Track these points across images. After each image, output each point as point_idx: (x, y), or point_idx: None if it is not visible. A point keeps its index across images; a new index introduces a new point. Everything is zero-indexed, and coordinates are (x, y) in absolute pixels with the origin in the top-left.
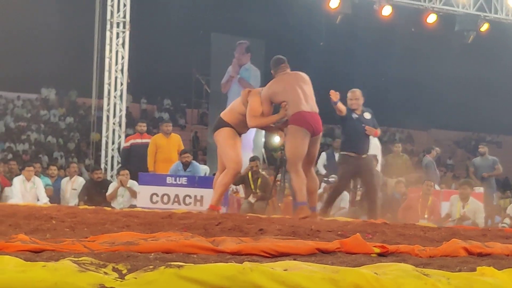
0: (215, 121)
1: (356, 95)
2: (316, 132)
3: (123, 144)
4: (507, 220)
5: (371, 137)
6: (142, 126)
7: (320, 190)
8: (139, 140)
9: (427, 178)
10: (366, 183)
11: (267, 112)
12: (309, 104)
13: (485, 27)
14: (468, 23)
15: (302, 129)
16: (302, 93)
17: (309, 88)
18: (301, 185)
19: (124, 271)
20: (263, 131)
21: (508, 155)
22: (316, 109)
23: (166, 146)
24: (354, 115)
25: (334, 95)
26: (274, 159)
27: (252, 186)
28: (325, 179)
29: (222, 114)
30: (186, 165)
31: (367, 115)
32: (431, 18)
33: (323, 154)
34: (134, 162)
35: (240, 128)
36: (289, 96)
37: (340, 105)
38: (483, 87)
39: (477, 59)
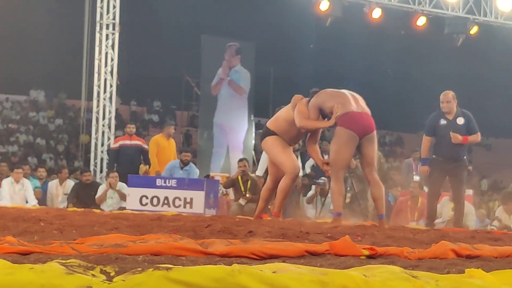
0: (262, 131)
1: (447, 98)
2: (368, 131)
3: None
4: (495, 223)
5: None
6: (131, 128)
7: (311, 192)
8: (128, 142)
9: (405, 180)
10: (452, 189)
11: (314, 119)
12: (359, 105)
13: (474, 29)
14: (457, 25)
15: (348, 131)
16: (352, 97)
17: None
18: (337, 194)
19: (112, 274)
20: (253, 134)
21: (497, 158)
22: (367, 110)
23: (168, 148)
24: (443, 121)
25: None
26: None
27: (242, 188)
28: (315, 180)
29: (267, 123)
30: (185, 164)
31: (460, 120)
32: (421, 21)
33: None
34: (123, 164)
35: (286, 137)
36: (337, 99)
37: None
38: (473, 90)
39: (466, 61)
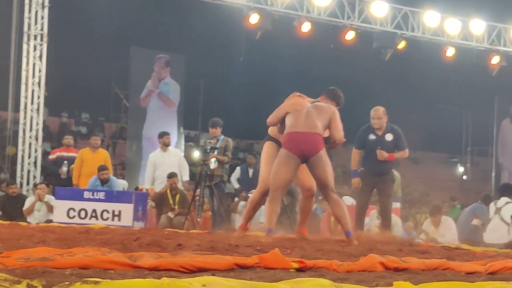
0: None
1: (378, 114)
2: (309, 154)
3: (39, 158)
4: (422, 236)
5: None
6: (69, 139)
7: (243, 203)
8: (65, 154)
9: None
10: (380, 203)
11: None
12: (309, 124)
13: (402, 44)
14: (385, 40)
15: (287, 152)
16: (306, 114)
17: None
18: (269, 213)
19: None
20: (182, 146)
21: (424, 171)
22: (318, 129)
23: (91, 160)
24: (372, 137)
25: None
26: (194, 174)
27: (171, 202)
28: (245, 194)
29: (269, 129)
30: (104, 182)
31: (389, 137)
32: (350, 35)
33: (238, 169)
34: (59, 175)
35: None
36: (290, 116)
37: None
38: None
39: (394, 76)
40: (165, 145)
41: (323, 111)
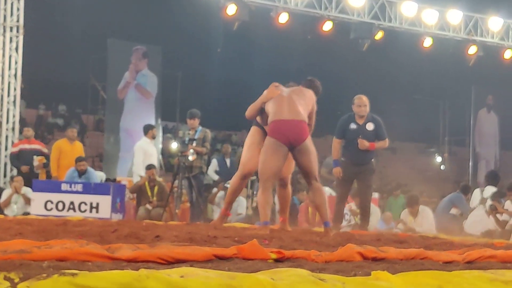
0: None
1: (362, 102)
2: (296, 142)
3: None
4: (400, 226)
5: None
6: (27, 131)
7: (222, 193)
8: (27, 146)
9: None
10: (359, 193)
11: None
12: (294, 111)
13: (379, 35)
14: (363, 31)
15: (275, 141)
16: (289, 101)
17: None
18: (263, 204)
19: (16, 280)
20: (160, 138)
21: (401, 161)
22: (302, 115)
23: (70, 152)
24: (353, 126)
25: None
26: (172, 166)
27: (149, 194)
28: (225, 185)
29: None
30: (81, 173)
31: (370, 126)
32: (327, 26)
33: (214, 161)
34: (28, 168)
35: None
36: (273, 104)
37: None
38: (378, 94)
39: (372, 66)
40: (153, 138)
41: (305, 97)
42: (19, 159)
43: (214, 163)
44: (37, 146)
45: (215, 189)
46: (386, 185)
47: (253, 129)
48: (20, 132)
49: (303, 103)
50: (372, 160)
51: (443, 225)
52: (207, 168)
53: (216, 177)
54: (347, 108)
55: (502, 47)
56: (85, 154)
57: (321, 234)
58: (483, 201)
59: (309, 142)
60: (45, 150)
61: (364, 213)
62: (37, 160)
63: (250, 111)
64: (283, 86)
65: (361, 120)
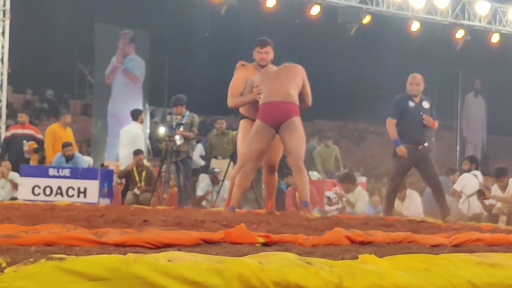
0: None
1: (416, 80)
2: (281, 120)
3: (3, 136)
4: None
5: None
6: (22, 117)
7: (205, 184)
8: (20, 131)
9: None
10: (426, 175)
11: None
12: (282, 92)
13: (367, 19)
14: (350, 15)
15: (261, 123)
16: (277, 81)
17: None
18: (237, 186)
19: (4, 265)
20: (148, 122)
21: (389, 146)
22: (291, 95)
23: (64, 137)
24: (411, 103)
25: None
26: (159, 150)
27: (137, 179)
28: (213, 169)
29: (240, 108)
30: (68, 158)
31: (426, 104)
32: (315, 10)
33: (199, 145)
34: (15, 153)
35: (253, 116)
36: (262, 86)
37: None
38: (366, 78)
39: (359, 51)
40: (141, 122)
41: (294, 75)
42: (12, 144)
43: (199, 147)
44: (30, 131)
45: (201, 189)
46: (373, 169)
47: (242, 122)
48: (8, 117)
49: (293, 83)
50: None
51: (430, 208)
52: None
53: (202, 163)
54: (334, 90)
55: (490, 31)
56: (72, 139)
57: (303, 214)
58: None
59: (296, 120)
60: (39, 136)
61: (439, 193)
62: (27, 145)
63: (234, 104)
64: (250, 66)
65: (417, 98)
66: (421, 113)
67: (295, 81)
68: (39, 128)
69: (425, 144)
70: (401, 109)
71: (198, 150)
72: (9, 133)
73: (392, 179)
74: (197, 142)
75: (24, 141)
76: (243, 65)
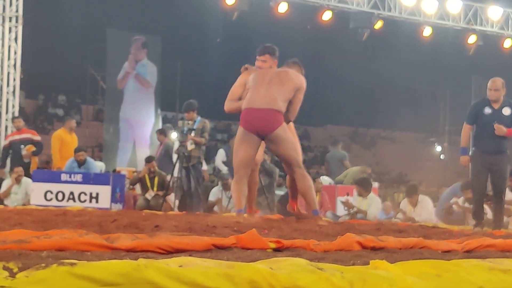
0: None
1: (495, 85)
2: (263, 132)
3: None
4: (400, 215)
5: None
6: (18, 122)
7: (217, 189)
8: (17, 137)
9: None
10: (492, 184)
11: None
12: (267, 99)
13: (379, 24)
14: (362, 20)
15: (243, 130)
16: (266, 87)
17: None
18: (235, 193)
19: (15, 270)
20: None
21: (401, 151)
22: (277, 103)
23: (71, 143)
24: (487, 110)
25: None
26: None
27: (149, 185)
28: (225, 175)
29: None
30: (81, 163)
31: (506, 111)
32: (326, 15)
33: (221, 151)
34: (15, 160)
35: None
36: (250, 90)
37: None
38: (378, 83)
39: (371, 56)
40: None
41: (289, 80)
42: (10, 151)
43: (221, 153)
44: (27, 135)
45: (213, 195)
46: (385, 175)
47: (238, 130)
48: None
49: (284, 89)
50: (507, 149)
51: (444, 215)
52: (205, 158)
53: (225, 168)
54: (346, 95)
55: (502, 36)
56: (85, 144)
57: (320, 224)
58: None
59: (281, 131)
60: (37, 138)
61: (497, 208)
62: (25, 150)
63: (230, 108)
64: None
65: (496, 104)
66: (495, 121)
67: (288, 88)
68: (51, 134)
69: (504, 152)
70: (475, 115)
71: (221, 155)
72: (6, 141)
73: (473, 185)
74: (219, 148)
75: (22, 146)
76: (246, 68)
